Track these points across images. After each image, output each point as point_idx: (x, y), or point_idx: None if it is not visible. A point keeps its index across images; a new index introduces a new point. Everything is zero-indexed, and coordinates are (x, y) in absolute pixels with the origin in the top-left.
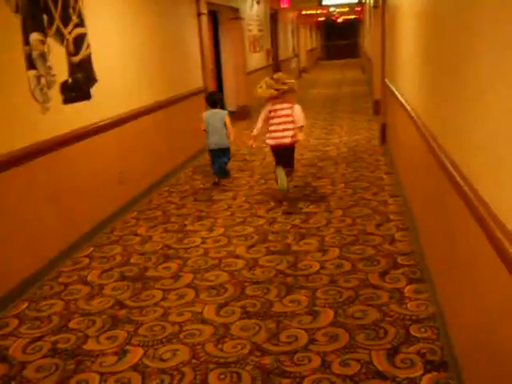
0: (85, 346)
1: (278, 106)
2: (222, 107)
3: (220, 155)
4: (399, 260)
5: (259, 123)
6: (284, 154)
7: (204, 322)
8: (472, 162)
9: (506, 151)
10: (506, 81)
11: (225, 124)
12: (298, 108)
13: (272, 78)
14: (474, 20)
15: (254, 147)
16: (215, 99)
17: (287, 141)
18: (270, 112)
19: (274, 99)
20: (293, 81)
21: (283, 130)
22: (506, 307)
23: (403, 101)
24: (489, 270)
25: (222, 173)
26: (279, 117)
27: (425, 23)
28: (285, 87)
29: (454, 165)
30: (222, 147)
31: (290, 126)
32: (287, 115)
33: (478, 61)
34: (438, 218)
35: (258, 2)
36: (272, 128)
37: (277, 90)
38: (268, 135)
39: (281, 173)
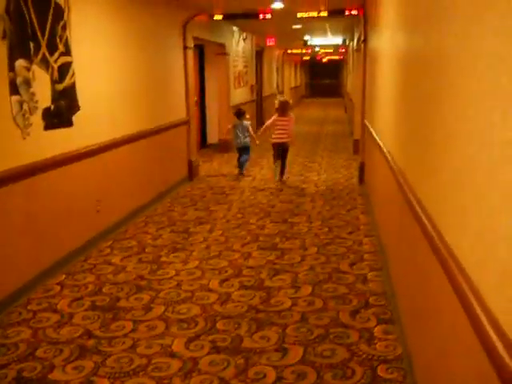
0: (50, 376)
1: (281, 118)
2: (240, 118)
3: (243, 152)
4: (371, 300)
5: (266, 126)
6: (282, 149)
7: (172, 355)
8: (439, 206)
9: (468, 198)
10: (466, 128)
11: (247, 130)
12: (292, 120)
13: (280, 99)
14: (442, 69)
15: (258, 144)
16: (240, 113)
17: (284, 140)
18: (275, 121)
19: (280, 113)
20: (287, 103)
21: (282, 133)
22: (466, 353)
23: (380, 142)
24: (453, 320)
25: (243, 165)
26: (281, 125)
27: (398, 70)
28: (284, 105)
29: (423, 208)
30: (245, 146)
31: (285, 131)
32: (286, 124)
33: (444, 108)
34: (408, 260)
35: (244, 39)
36: (276, 132)
37: (283, 108)
38: (273, 136)
39: (276, 167)
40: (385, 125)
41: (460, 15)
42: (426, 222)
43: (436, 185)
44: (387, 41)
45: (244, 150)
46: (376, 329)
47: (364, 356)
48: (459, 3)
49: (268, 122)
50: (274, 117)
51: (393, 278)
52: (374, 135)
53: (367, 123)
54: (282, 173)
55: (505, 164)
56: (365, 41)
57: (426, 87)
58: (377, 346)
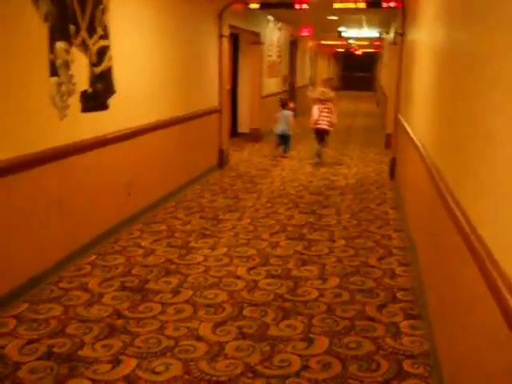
0: (80, 352)
1: (322, 106)
2: (284, 108)
3: (283, 139)
4: (398, 295)
5: (315, 115)
6: (322, 134)
7: (199, 338)
8: (476, 206)
9: (506, 195)
10: (508, 125)
11: (288, 120)
12: (334, 110)
13: (319, 90)
14: (485, 64)
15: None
16: (284, 103)
17: (324, 127)
18: (319, 110)
19: (320, 103)
20: (331, 94)
21: (322, 121)
22: (501, 356)
23: (414, 137)
24: (485, 316)
25: (283, 151)
26: (323, 112)
27: (438, 64)
28: (327, 97)
29: (460, 206)
30: (285, 134)
31: (326, 119)
32: (327, 112)
33: (485, 104)
34: (439, 257)
35: (279, 29)
36: (317, 120)
37: (322, 100)
38: (313, 121)
39: (317, 146)
40: (420, 120)
41: (507, 8)
42: (460, 217)
43: (473, 181)
44: (427, 34)
45: (283, 137)
46: (403, 324)
47: (390, 350)
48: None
49: (315, 111)
50: (316, 106)
51: (422, 273)
52: (408, 130)
53: (401, 118)
54: (319, 156)
55: None
56: (402, 34)
57: (467, 82)
58: (403, 340)
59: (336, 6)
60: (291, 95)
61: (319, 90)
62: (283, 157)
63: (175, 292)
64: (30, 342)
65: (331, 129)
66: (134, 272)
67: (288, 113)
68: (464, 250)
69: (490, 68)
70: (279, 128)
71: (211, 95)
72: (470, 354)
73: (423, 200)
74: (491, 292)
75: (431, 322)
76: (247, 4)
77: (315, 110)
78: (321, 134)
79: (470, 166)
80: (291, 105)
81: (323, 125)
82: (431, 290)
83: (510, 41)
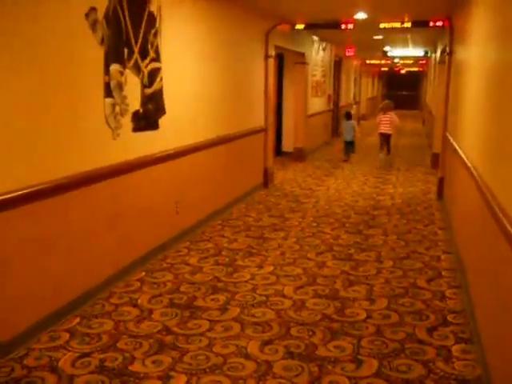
0: (131, 367)
1: (384, 116)
2: (348, 119)
3: (349, 145)
4: (449, 317)
5: (377, 123)
6: (386, 138)
7: (247, 356)
8: None
9: None
10: None
11: (353, 128)
12: (394, 117)
13: (384, 103)
14: None
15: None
16: (349, 115)
17: (388, 131)
18: (380, 119)
19: (384, 111)
20: (391, 104)
21: (385, 126)
22: None
23: (464, 157)
24: None
25: (348, 156)
26: (385, 121)
27: (489, 83)
28: (387, 107)
29: None
30: (350, 141)
31: (388, 124)
32: (388, 120)
33: None
34: (490, 279)
35: (323, 49)
36: (381, 126)
37: (385, 109)
38: (380, 128)
39: (381, 153)
40: (470, 138)
41: None
42: None
43: None
44: (476, 53)
45: (349, 143)
46: (454, 347)
47: (441, 374)
48: None
49: (378, 121)
50: (380, 116)
51: (472, 296)
52: (457, 149)
53: (449, 136)
54: (388, 152)
55: None
56: (450, 53)
57: None
58: (455, 364)
59: (382, 25)
60: (335, 114)
61: (384, 104)
62: (346, 161)
63: (223, 309)
64: (83, 355)
65: (392, 132)
66: (182, 289)
67: (352, 123)
68: None
69: None
70: (347, 136)
71: (257, 114)
72: None
73: (473, 220)
74: None
75: (483, 345)
76: (293, 25)
77: (381, 118)
78: (385, 137)
79: None
80: (352, 112)
81: (386, 130)
82: (483, 312)
83: None
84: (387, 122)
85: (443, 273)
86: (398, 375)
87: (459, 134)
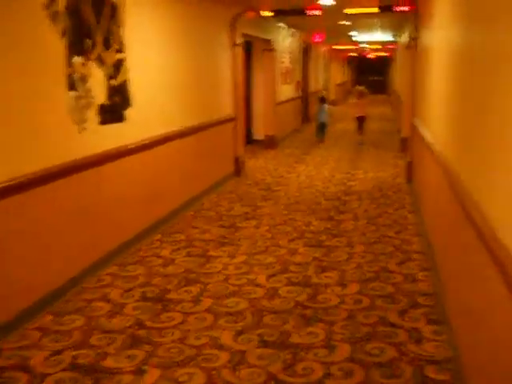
0: (103, 363)
1: (359, 101)
2: (324, 102)
3: (322, 127)
4: (419, 300)
5: (353, 108)
6: (361, 119)
7: (221, 347)
8: (495, 207)
9: None
10: None
11: (327, 111)
12: (366, 103)
13: (357, 89)
14: (500, 66)
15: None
16: (323, 99)
17: (362, 114)
18: (356, 103)
19: (358, 97)
20: (366, 91)
21: (360, 110)
22: None
23: (431, 140)
24: (505, 316)
25: (323, 137)
26: (359, 106)
27: (453, 67)
28: (361, 93)
29: (478, 209)
30: (324, 122)
31: (363, 109)
32: (362, 105)
33: (502, 107)
34: (459, 261)
35: (291, 35)
36: (356, 109)
37: (360, 94)
38: (354, 112)
39: (358, 131)
40: (436, 123)
41: None
42: (480, 222)
43: (493, 185)
44: (441, 37)
45: (323, 125)
46: (425, 329)
47: (413, 356)
48: None
49: (352, 104)
50: (354, 100)
51: (443, 278)
52: (424, 133)
53: (416, 121)
54: (361, 132)
55: None
56: (416, 38)
57: (484, 85)
58: (425, 346)
59: (348, 11)
60: (304, 100)
61: (357, 90)
62: (321, 142)
63: (196, 301)
64: (55, 353)
65: (366, 115)
66: (154, 282)
67: (326, 106)
68: (485, 254)
69: (506, 70)
70: (321, 118)
71: (226, 104)
72: (493, 358)
73: (441, 204)
74: (510, 293)
75: (453, 326)
76: (259, 12)
77: (355, 103)
78: (360, 121)
79: (489, 169)
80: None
81: (361, 113)
82: (453, 294)
83: None
84: (362, 106)
85: (414, 256)
86: (370, 359)
87: (425, 119)
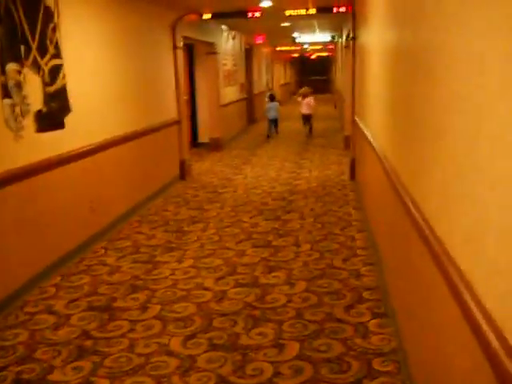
0: (50, 377)
1: (305, 100)
2: (272, 100)
3: (273, 123)
4: (364, 294)
5: (302, 106)
6: (307, 118)
7: (170, 354)
8: (430, 202)
9: (458, 194)
10: (456, 125)
11: (277, 108)
12: (312, 100)
13: (304, 89)
14: (429, 65)
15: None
16: (273, 97)
17: (307, 112)
18: (301, 102)
19: (303, 97)
20: (309, 90)
21: (306, 109)
22: (460, 345)
23: (370, 138)
24: (444, 309)
25: (274, 132)
26: (305, 103)
27: (387, 66)
28: (306, 92)
29: (414, 202)
30: (275, 118)
31: (310, 107)
32: (308, 103)
33: (433, 105)
34: (400, 254)
35: (233, 38)
36: (303, 108)
37: (304, 94)
38: (302, 110)
39: (305, 128)
40: (375, 120)
41: (446, 12)
42: (417, 217)
43: (427, 179)
44: (376, 37)
45: (274, 121)
46: (371, 323)
47: (359, 350)
48: (445, 1)
49: (299, 102)
50: (300, 99)
51: (386, 272)
52: (365, 131)
53: (357, 119)
54: (310, 131)
55: (493, 160)
56: (354, 38)
57: (416, 83)
58: (372, 339)
59: (288, 13)
60: (249, 102)
61: (304, 90)
62: (270, 137)
63: (143, 308)
64: None
65: (312, 113)
66: (100, 291)
67: (276, 103)
68: (422, 248)
69: (434, 69)
70: (272, 114)
71: (169, 107)
72: (435, 350)
73: (382, 199)
74: (449, 289)
75: (398, 319)
76: (200, 15)
77: (302, 101)
78: (306, 117)
79: (423, 166)
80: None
81: (307, 111)
82: (395, 288)
83: (447, 43)
84: (308, 104)
85: (358, 251)
86: (318, 355)
87: (365, 117)
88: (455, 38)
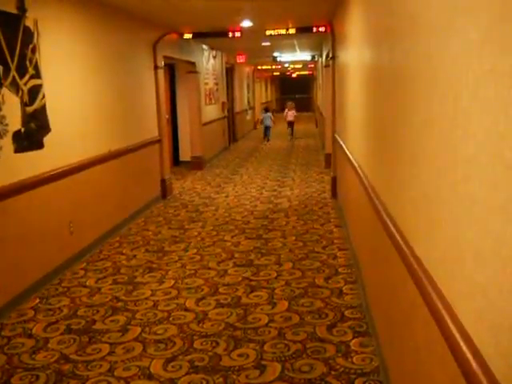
0: None
1: (290, 112)
2: (268, 111)
3: (267, 130)
4: (346, 313)
5: (285, 116)
6: (291, 124)
7: (150, 377)
8: (409, 220)
9: (435, 213)
10: (432, 145)
11: (270, 118)
12: (294, 112)
13: (289, 103)
14: (405, 86)
15: (273, 125)
16: (267, 109)
17: (291, 119)
18: (287, 113)
19: (289, 109)
20: (293, 105)
21: (291, 117)
22: (438, 364)
23: (351, 156)
24: (423, 328)
25: (269, 137)
26: (290, 114)
27: (366, 86)
28: (291, 106)
29: (394, 222)
30: (269, 126)
31: (293, 116)
32: (292, 114)
33: (410, 124)
34: (381, 272)
35: (214, 57)
36: (288, 117)
37: (290, 108)
38: (287, 119)
39: (288, 129)
40: (354, 139)
41: (419, 34)
42: (397, 237)
43: (405, 199)
44: (354, 57)
45: (267, 129)
46: (352, 342)
47: (341, 370)
48: (418, 21)
49: (285, 114)
50: (286, 110)
51: (367, 290)
52: (345, 150)
53: (338, 138)
54: (292, 133)
55: (467, 180)
56: (333, 57)
57: (393, 103)
58: (354, 359)
59: (268, 32)
60: (230, 120)
61: (289, 104)
62: (267, 141)
63: (123, 330)
64: None
65: (294, 120)
66: (79, 313)
67: (269, 114)
68: (402, 267)
69: (410, 90)
70: (266, 122)
71: (150, 126)
72: (415, 368)
73: (363, 218)
74: (428, 308)
75: (379, 338)
76: (181, 34)
77: (287, 113)
78: (291, 124)
79: (401, 186)
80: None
81: (291, 119)
82: (376, 306)
83: (422, 65)
84: (292, 115)
85: (340, 269)
86: (300, 376)
87: (345, 135)
88: (428, 62)
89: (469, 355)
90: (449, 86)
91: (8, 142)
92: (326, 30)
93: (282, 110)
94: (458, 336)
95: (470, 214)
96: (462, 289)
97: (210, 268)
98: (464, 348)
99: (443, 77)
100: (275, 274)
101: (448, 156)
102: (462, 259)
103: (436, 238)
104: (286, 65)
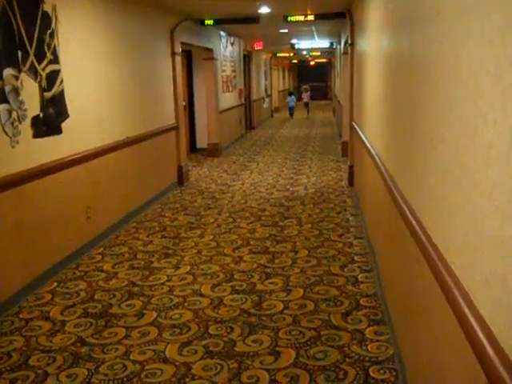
0: None
1: (305, 93)
2: (292, 95)
3: (291, 110)
4: (361, 301)
5: (302, 97)
6: (306, 104)
7: (166, 361)
8: (427, 209)
9: (454, 202)
10: (451, 133)
11: (294, 100)
12: (309, 93)
13: (304, 87)
14: (426, 73)
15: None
16: (291, 93)
17: (306, 100)
18: (303, 94)
19: (305, 91)
20: (308, 88)
21: (306, 98)
22: (455, 352)
23: (368, 144)
24: (440, 316)
25: (292, 115)
26: (305, 96)
27: (385, 73)
28: (306, 89)
29: (411, 209)
30: (293, 106)
31: (307, 97)
32: (307, 95)
33: (430, 112)
34: (397, 261)
35: (231, 44)
36: (304, 98)
37: (305, 90)
38: (303, 99)
39: (304, 108)
40: (373, 127)
41: (441, 20)
42: (415, 224)
43: (424, 187)
44: (374, 44)
45: (292, 108)
46: (367, 330)
47: (356, 357)
48: (441, 8)
49: (302, 96)
50: (303, 93)
51: (383, 279)
52: (363, 138)
53: (355, 126)
54: (308, 112)
55: (487, 167)
56: (352, 44)
57: (412, 91)
58: (368, 347)
59: (289, 19)
60: (247, 108)
61: (304, 88)
62: (292, 117)
63: (139, 315)
64: None
65: (309, 101)
66: (96, 297)
67: (293, 97)
68: (419, 255)
69: (430, 77)
70: (291, 104)
71: (167, 113)
72: (431, 356)
73: (380, 206)
74: (445, 296)
75: (394, 326)
76: (199, 21)
77: (303, 95)
78: (306, 105)
79: (420, 173)
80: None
81: (306, 100)
82: (392, 295)
83: (443, 51)
84: (307, 96)
85: (355, 258)
86: (315, 363)
87: (363, 123)
88: (449, 48)
89: (486, 343)
90: (470, 72)
91: (27, 127)
92: (344, 17)
93: (301, 97)
94: (475, 324)
95: (489, 201)
96: (480, 277)
97: (225, 254)
98: (481, 336)
99: (464, 63)
100: (290, 262)
101: (467, 143)
102: (481, 247)
103: (454, 226)
104: (304, 52)
